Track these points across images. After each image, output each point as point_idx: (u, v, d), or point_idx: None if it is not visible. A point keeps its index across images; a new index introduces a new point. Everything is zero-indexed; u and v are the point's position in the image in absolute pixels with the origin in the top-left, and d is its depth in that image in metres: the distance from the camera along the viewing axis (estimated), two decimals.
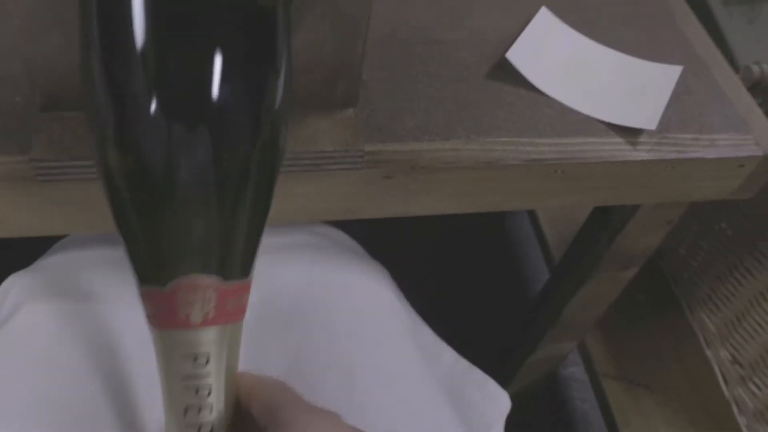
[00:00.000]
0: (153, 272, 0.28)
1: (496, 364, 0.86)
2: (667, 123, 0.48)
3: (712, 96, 0.51)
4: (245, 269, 0.30)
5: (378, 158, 0.43)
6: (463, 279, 0.99)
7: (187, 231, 0.28)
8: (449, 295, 0.95)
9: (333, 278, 0.47)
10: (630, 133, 0.47)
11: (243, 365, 0.32)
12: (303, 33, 0.39)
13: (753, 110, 0.51)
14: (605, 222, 0.59)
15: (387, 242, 0.66)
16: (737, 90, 0.52)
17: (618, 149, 0.47)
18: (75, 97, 0.41)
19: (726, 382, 0.80)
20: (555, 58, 0.51)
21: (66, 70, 0.39)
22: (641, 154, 0.47)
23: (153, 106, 0.27)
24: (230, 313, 0.29)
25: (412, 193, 0.45)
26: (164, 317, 0.29)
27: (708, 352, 0.83)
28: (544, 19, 0.54)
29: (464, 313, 0.94)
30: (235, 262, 0.30)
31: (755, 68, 0.74)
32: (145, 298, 0.29)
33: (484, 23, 0.53)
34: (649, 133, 0.47)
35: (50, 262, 0.50)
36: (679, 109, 0.49)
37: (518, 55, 0.49)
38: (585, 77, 0.50)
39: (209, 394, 0.29)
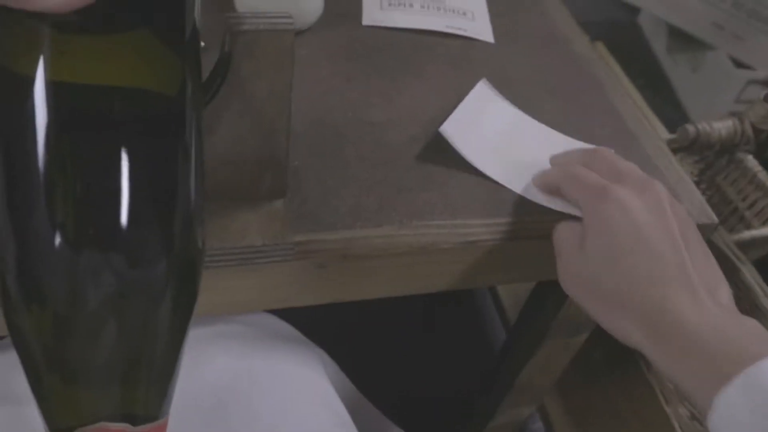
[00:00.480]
0: (59, 419, 0.27)
1: (458, 430, 0.85)
2: None
3: (643, 167, 0.51)
4: (159, 410, 0.28)
5: (309, 248, 0.43)
6: (421, 344, 0.98)
7: (89, 371, 0.27)
8: (408, 363, 0.94)
9: (260, 369, 0.46)
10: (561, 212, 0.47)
11: None
12: (223, 130, 0.39)
13: (683, 180, 0.52)
14: (550, 292, 0.59)
15: (334, 316, 0.65)
16: (667, 160, 0.53)
17: (551, 225, 0.47)
18: None
19: None
20: (489, 132, 0.51)
21: None
22: None
23: (56, 239, 0.26)
24: None
25: (346, 280, 0.45)
26: None
27: (667, 409, 0.82)
28: (481, 91, 0.54)
29: (424, 380, 0.93)
30: (148, 404, 0.28)
31: (690, 128, 0.75)
32: None
33: (414, 103, 0.53)
34: None
35: None
36: None
37: (452, 129, 0.49)
38: (517, 153, 0.51)
39: None
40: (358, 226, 0.44)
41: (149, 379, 0.28)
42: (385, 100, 0.53)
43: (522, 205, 0.47)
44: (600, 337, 0.72)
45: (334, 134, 0.49)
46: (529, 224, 0.47)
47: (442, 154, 0.49)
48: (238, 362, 0.46)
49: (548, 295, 0.59)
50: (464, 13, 0.64)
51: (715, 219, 0.50)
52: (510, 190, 0.48)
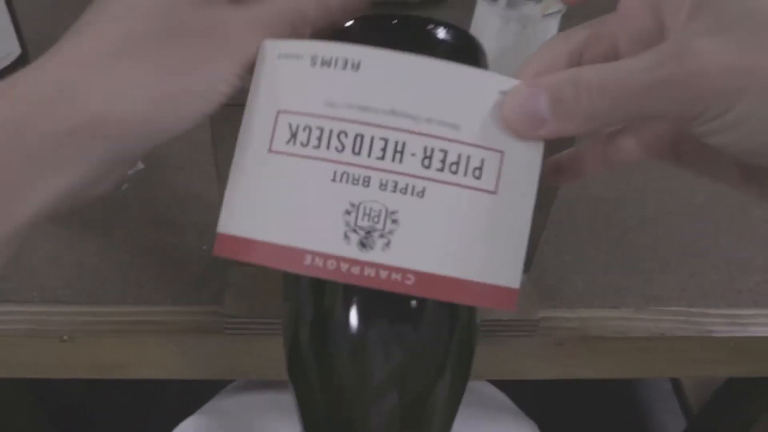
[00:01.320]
0: None
1: None
2: None
3: None
4: None
5: (550, 325, 0.43)
6: (590, 416, 0.95)
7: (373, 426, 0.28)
8: None
9: None
10: None
11: None
12: None
13: None
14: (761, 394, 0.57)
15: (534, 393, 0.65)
16: None
17: None
18: None
19: None
20: None
21: None
22: None
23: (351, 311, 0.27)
24: None
25: (582, 360, 0.45)
26: None
27: None
28: None
29: None
30: None
31: None
32: None
33: (642, 182, 0.53)
34: None
35: (222, 405, 0.51)
36: None
37: None
38: None
39: None
40: (596, 305, 0.44)
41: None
42: (613, 175, 0.53)
43: (753, 294, 0.46)
44: None
45: (568, 209, 0.50)
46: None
47: (670, 236, 0.49)
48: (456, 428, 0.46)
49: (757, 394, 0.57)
50: None
51: None
52: (748, 279, 0.47)
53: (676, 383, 0.89)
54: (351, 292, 0.27)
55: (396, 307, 0.27)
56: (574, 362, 0.45)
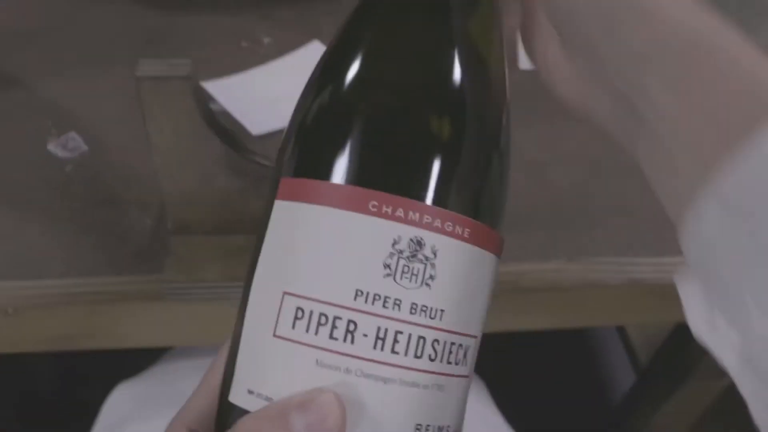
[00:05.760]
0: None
1: None
2: None
3: None
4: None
5: None
6: (544, 379, 0.98)
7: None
8: (531, 398, 0.94)
9: None
10: None
11: None
12: None
13: None
14: None
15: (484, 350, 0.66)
16: None
17: None
18: (203, 224, 0.44)
19: None
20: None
21: (198, 201, 0.43)
22: None
23: None
24: None
25: (516, 311, 0.47)
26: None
27: None
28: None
29: (548, 417, 0.93)
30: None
31: None
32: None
33: (575, 146, 0.55)
34: None
35: (157, 371, 0.53)
36: None
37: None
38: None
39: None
40: (528, 259, 0.46)
41: None
42: (546, 142, 0.55)
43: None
44: None
45: None
46: None
47: (602, 194, 0.51)
48: None
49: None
50: None
51: None
52: (674, 230, 0.49)
53: (624, 335, 0.91)
54: None
55: None
56: (509, 314, 0.47)
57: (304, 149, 0.24)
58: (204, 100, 0.41)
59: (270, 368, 0.22)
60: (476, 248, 0.23)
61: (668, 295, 0.48)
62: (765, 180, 0.18)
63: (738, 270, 0.20)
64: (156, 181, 0.42)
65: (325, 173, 0.23)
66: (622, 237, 0.48)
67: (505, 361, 0.93)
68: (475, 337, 0.24)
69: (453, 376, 0.23)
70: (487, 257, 0.24)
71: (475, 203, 0.24)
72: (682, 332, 0.65)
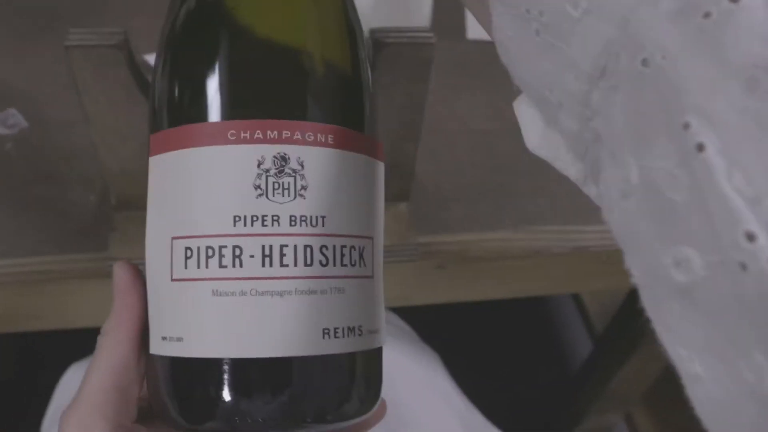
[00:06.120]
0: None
1: None
2: None
3: None
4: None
5: (431, 249, 0.45)
6: (504, 351, 0.99)
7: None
8: (491, 370, 0.95)
9: (390, 360, 0.48)
10: None
11: None
12: None
13: None
14: None
15: (427, 317, 0.67)
16: None
17: None
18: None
19: None
20: None
21: (140, 175, 0.42)
22: None
23: None
24: None
25: (464, 282, 0.47)
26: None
27: None
28: None
29: (507, 387, 0.94)
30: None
31: None
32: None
33: None
34: None
35: None
36: None
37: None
38: None
39: None
40: (475, 230, 0.46)
41: None
42: (492, 110, 0.55)
43: None
44: None
45: (448, 141, 0.52)
46: None
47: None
48: None
49: None
50: None
51: None
52: None
53: (580, 304, 0.93)
54: None
55: None
56: (457, 285, 0.47)
57: (159, 104, 0.25)
58: (144, 72, 0.40)
59: (174, 311, 0.23)
60: (345, 152, 0.23)
61: (614, 261, 0.48)
62: None
63: (529, 66, 0.19)
64: (97, 154, 0.42)
65: (183, 119, 0.23)
66: (567, 205, 0.49)
67: (462, 333, 0.94)
68: (369, 237, 0.24)
69: (352, 277, 0.23)
70: (361, 159, 0.24)
71: (333, 110, 0.24)
72: (634, 299, 0.66)
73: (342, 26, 0.26)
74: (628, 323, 0.71)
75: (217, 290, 0.22)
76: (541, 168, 0.51)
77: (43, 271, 0.43)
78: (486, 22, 0.22)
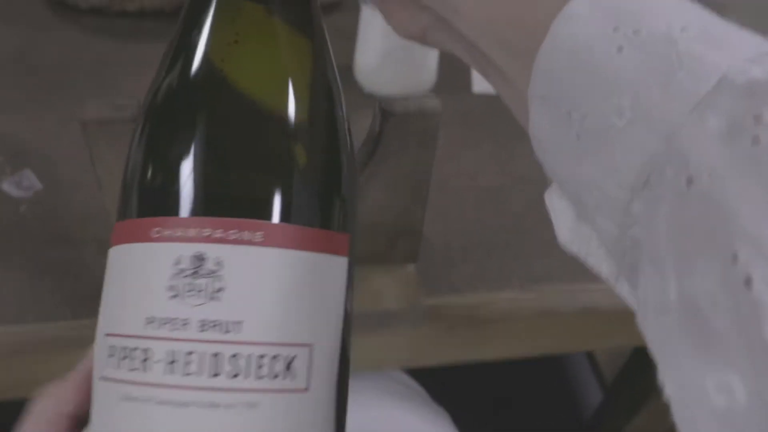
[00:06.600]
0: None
1: None
2: None
3: None
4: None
5: (440, 312, 0.45)
6: (514, 404, 0.98)
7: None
8: (501, 425, 0.94)
9: (401, 421, 0.48)
10: None
11: None
12: (368, 199, 0.42)
13: None
14: None
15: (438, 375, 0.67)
16: None
17: None
18: None
19: None
20: None
21: None
22: None
23: None
24: None
25: (473, 342, 0.47)
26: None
27: None
28: None
29: None
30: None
31: None
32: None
33: (527, 170, 0.56)
34: None
35: None
36: None
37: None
38: None
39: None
40: (483, 290, 0.47)
41: None
42: (499, 165, 0.56)
43: None
44: None
45: (456, 197, 0.52)
46: None
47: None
48: (381, 412, 0.48)
49: None
50: None
51: None
52: None
53: (591, 358, 0.92)
54: None
55: None
56: (466, 346, 0.48)
57: (119, 200, 0.25)
58: None
59: (96, 412, 0.23)
60: (279, 250, 0.22)
61: (624, 320, 0.48)
62: (564, 66, 0.18)
63: (566, 166, 0.19)
64: (111, 221, 0.42)
65: (124, 214, 0.24)
66: (574, 262, 0.49)
67: (472, 389, 0.94)
68: (305, 345, 0.22)
69: (271, 391, 0.21)
70: (302, 257, 0.22)
71: (266, 205, 0.22)
72: (642, 353, 0.66)
73: (285, 123, 0.24)
74: (637, 375, 0.70)
75: (127, 394, 0.21)
76: (548, 225, 0.51)
77: (57, 337, 0.43)
78: (522, 115, 0.23)
